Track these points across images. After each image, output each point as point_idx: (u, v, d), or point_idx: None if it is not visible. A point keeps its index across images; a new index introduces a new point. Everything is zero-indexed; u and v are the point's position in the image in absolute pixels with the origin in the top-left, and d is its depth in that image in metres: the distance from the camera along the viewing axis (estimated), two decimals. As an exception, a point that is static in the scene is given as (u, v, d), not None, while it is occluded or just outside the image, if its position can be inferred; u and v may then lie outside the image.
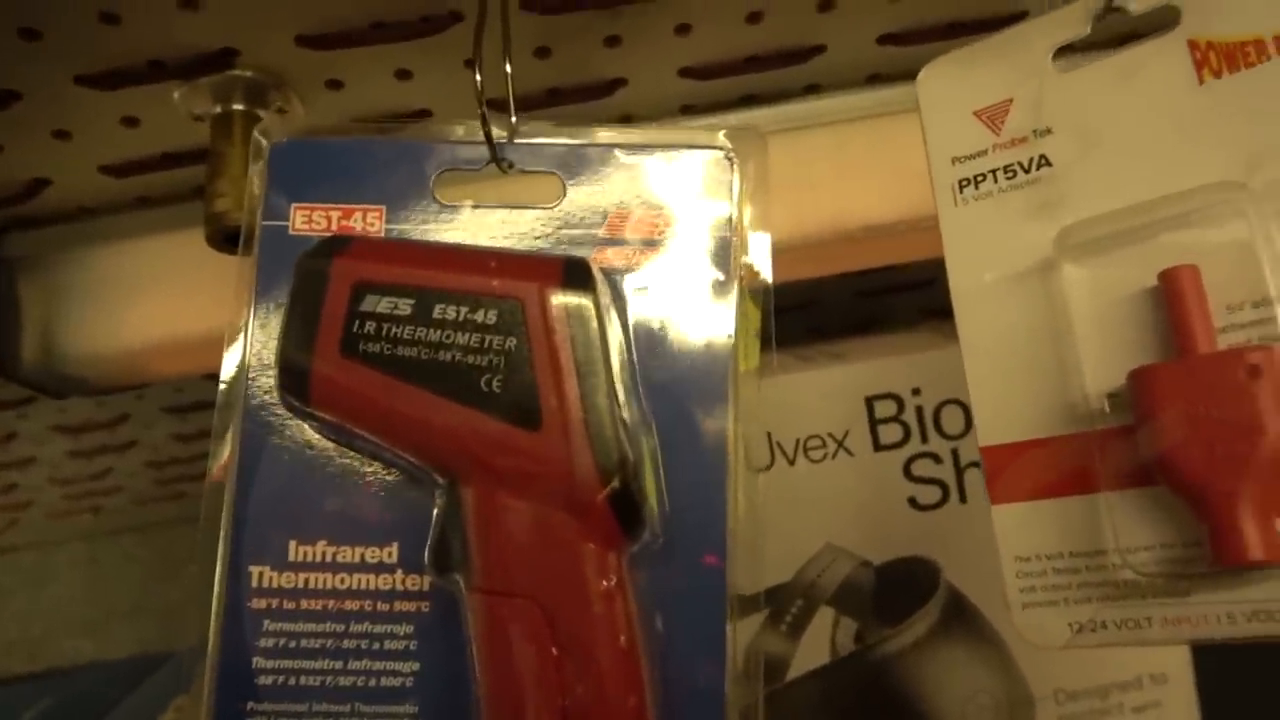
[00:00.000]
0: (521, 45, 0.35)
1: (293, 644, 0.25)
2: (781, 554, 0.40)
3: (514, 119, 0.27)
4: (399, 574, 0.25)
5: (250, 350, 0.26)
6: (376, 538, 0.25)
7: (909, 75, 0.29)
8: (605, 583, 0.23)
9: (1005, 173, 0.27)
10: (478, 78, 0.26)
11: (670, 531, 0.26)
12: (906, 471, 0.41)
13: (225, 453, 0.26)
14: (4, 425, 0.59)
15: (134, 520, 0.83)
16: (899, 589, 0.40)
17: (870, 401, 0.41)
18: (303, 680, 0.25)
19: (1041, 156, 0.26)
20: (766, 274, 0.27)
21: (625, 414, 0.25)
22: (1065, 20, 0.26)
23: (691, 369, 0.26)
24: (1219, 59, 0.24)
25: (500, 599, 0.23)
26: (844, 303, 0.60)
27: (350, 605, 0.25)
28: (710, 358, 0.27)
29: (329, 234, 0.27)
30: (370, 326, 0.24)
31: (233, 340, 0.27)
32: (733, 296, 0.27)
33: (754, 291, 0.27)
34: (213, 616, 0.25)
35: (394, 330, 0.24)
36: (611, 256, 0.27)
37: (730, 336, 0.26)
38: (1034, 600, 0.25)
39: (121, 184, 0.40)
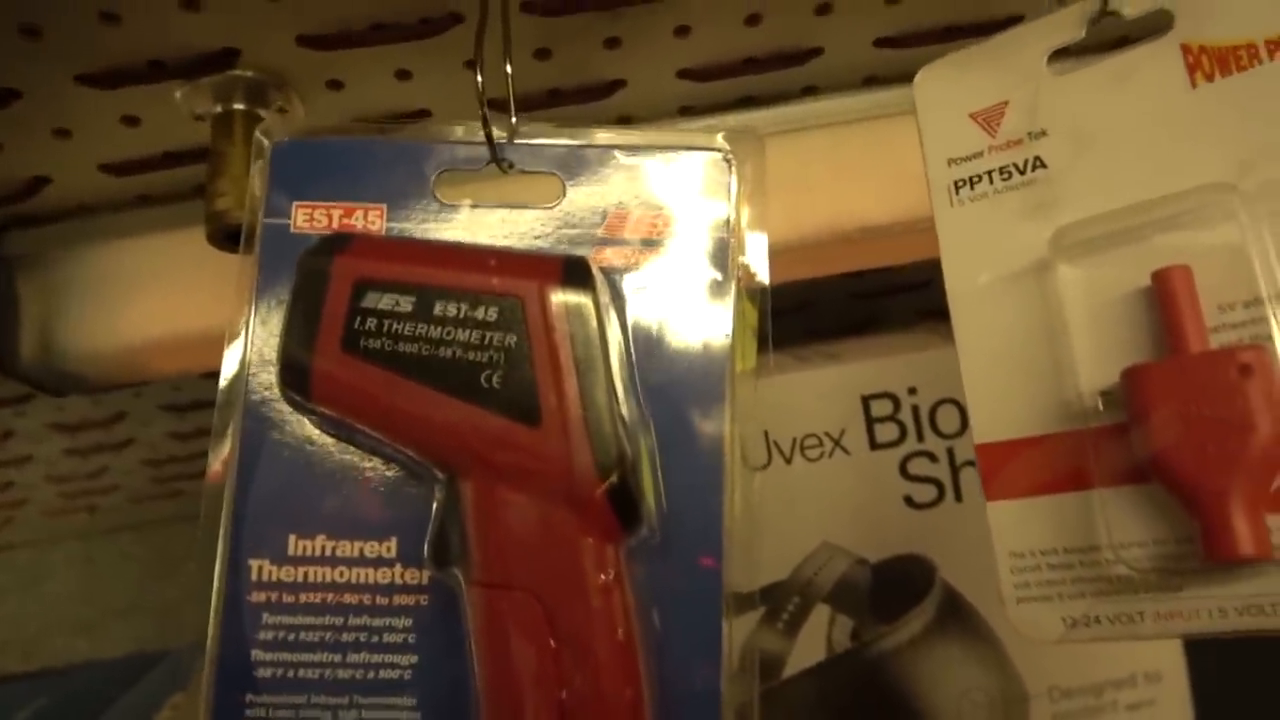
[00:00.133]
0: (522, 46, 0.35)
1: (292, 637, 0.25)
2: (778, 552, 0.41)
3: (514, 119, 0.27)
4: (398, 568, 0.25)
5: (251, 347, 0.26)
6: (376, 532, 0.26)
7: (905, 78, 0.29)
8: (603, 577, 0.24)
9: (1001, 174, 0.27)
10: (479, 78, 0.26)
11: (667, 529, 0.26)
12: (902, 470, 0.41)
13: (225, 450, 0.26)
14: (1, 423, 0.59)
15: (130, 519, 0.83)
16: (895, 587, 0.41)
17: (866, 401, 0.41)
18: (301, 673, 0.25)
19: (1036, 158, 0.27)
20: (764, 274, 0.28)
21: (624, 411, 0.25)
22: (1060, 24, 0.27)
23: (689, 369, 0.27)
24: (1211, 63, 0.24)
25: (499, 592, 0.24)
26: (840, 304, 0.60)
27: (349, 598, 0.25)
28: (708, 357, 0.27)
29: (330, 232, 0.27)
30: (371, 323, 0.24)
31: (233, 338, 0.27)
32: (730, 297, 0.27)
33: (751, 292, 0.27)
34: (212, 610, 0.25)
35: (395, 327, 0.24)
36: (610, 256, 0.27)
37: (728, 336, 0.27)
38: (1028, 595, 0.25)
39: (122, 182, 0.40)
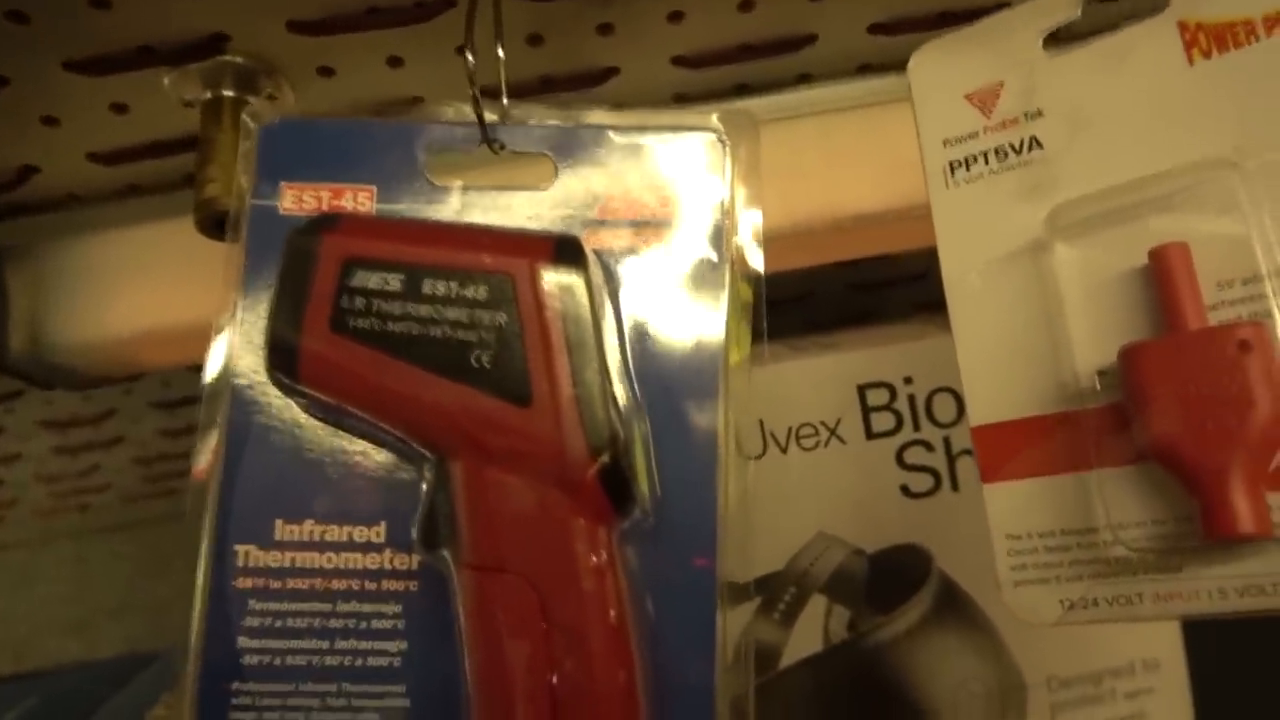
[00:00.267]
0: (514, 33, 0.35)
1: (279, 624, 0.25)
2: (773, 542, 0.40)
3: (505, 100, 0.27)
4: (387, 553, 0.25)
5: (238, 330, 0.26)
6: (364, 517, 0.25)
7: (900, 65, 0.29)
8: (595, 559, 0.23)
9: (996, 155, 0.27)
10: (469, 58, 0.26)
11: (660, 518, 0.26)
12: (899, 459, 0.41)
13: (212, 446, 0.26)
14: (-10, 419, 0.58)
15: (122, 518, 0.82)
16: (891, 577, 0.40)
17: (862, 390, 0.41)
18: (289, 660, 0.25)
19: (1032, 138, 0.26)
20: (758, 254, 0.27)
21: (616, 391, 0.24)
22: (1056, 3, 0.26)
23: (683, 351, 0.26)
24: (1209, 40, 0.24)
25: (489, 575, 0.23)
26: (837, 296, 0.60)
27: (337, 584, 0.25)
28: (702, 341, 0.26)
29: (319, 214, 0.26)
30: (360, 302, 0.24)
31: (219, 330, 0.27)
32: (725, 277, 0.27)
33: (746, 274, 0.27)
34: (196, 597, 0.25)
35: (383, 306, 0.24)
36: (604, 237, 0.27)
37: (723, 317, 0.26)
38: (1025, 578, 0.25)
39: (111, 171, 0.40)
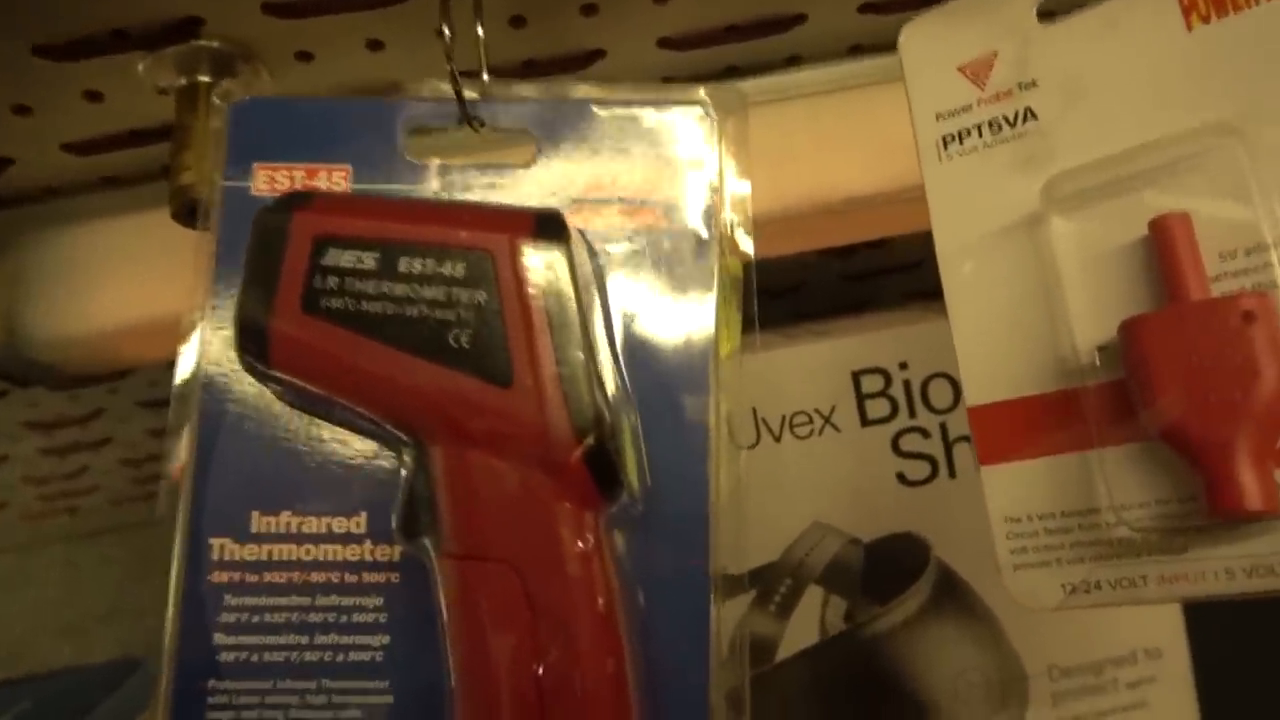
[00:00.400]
0: (496, 14, 0.34)
1: (256, 619, 0.24)
2: (768, 533, 0.40)
3: (486, 76, 0.26)
4: (368, 544, 0.24)
5: (211, 319, 0.25)
6: (344, 507, 0.25)
7: (892, 46, 0.28)
8: (581, 545, 0.23)
9: (990, 127, 0.26)
10: (446, 31, 0.25)
11: (650, 508, 0.25)
12: (894, 447, 0.40)
13: (185, 446, 0.25)
14: (-27, 421, 0.57)
15: (111, 521, 0.82)
16: (889, 566, 0.40)
17: (857, 376, 0.40)
18: (266, 656, 0.24)
19: (1027, 110, 0.26)
20: (748, 230, 0.27)
21: (601, 371, 0.24)
22: (1050, -29, 0.26)
23: (672, 329, 0.26)
24: (1207, 4, 0.23)
25: (472, 563, 0.22)
26: (830, 285, 0.59)
27: (316, 577, 0.24)
28: (692, 315, 0.26)
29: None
30: (333, 281, 0.23)
31: (190, 320, 0.26)
32: (714, 253, 0.26)
33: (735, 250, 0.26)
34: (170, 592, 0.24)
35: (358, 285, 0.23)
36: (588, 215, 0.26)
37: (713, 295, 0.26)
38: (1025, 562, 0.24)
39: (86, 162, 0.39)
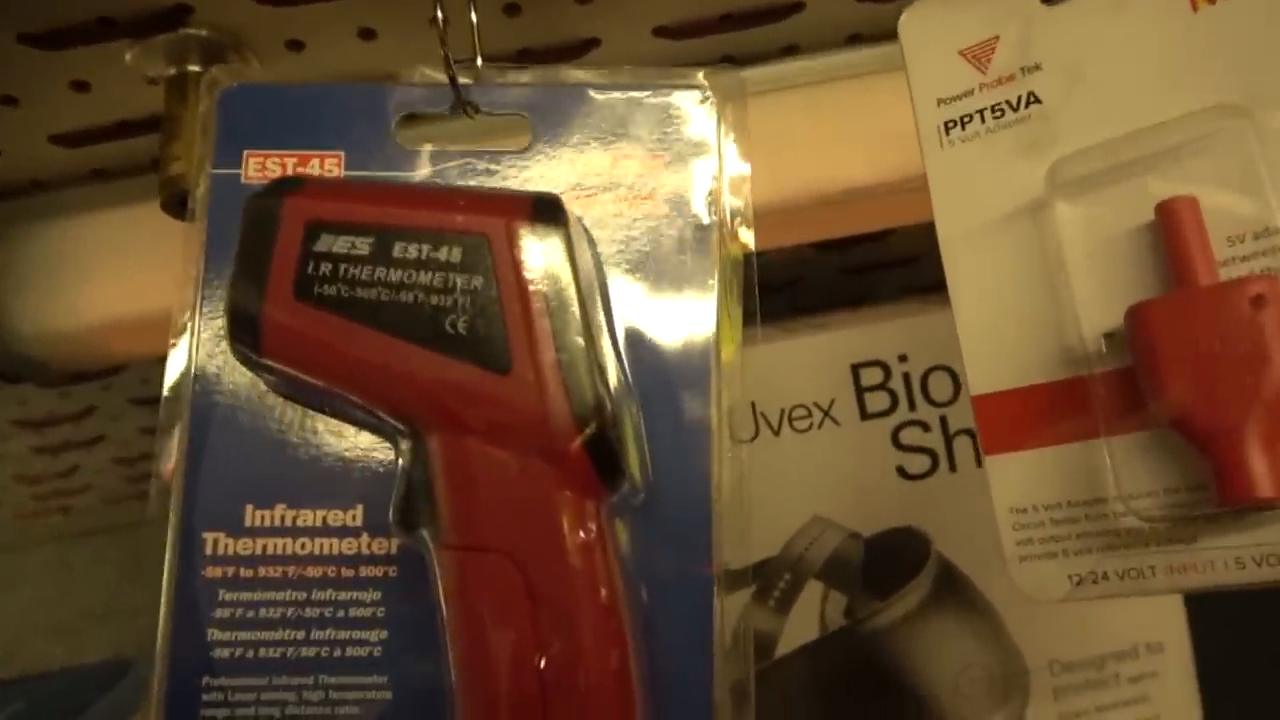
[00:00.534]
0: (491, 1, 0.34)
1: (250, 614, 0.23)
2: (767, 527, 0.39)
3: (479, 61, 0.26)
4: (364, 538, 0.24)
5: (201, 309, 0.25)
6: (339, 500, 0.24)
7: (889, 35, 0.28)
8: (583, 534, 0.22)
9: (993, 112, 0.26)
10: (439, 15, 0.25)
11: (652, 497, 0.25)
12: (894, 440, 0.40)
13: (175, 447, 0.24)
14: (-38, 419, 0.57)
15: (105, 521, 0.81)
16: (889, 561, 0.39)
17: (856, 369, 0.40)
18: (261, 652, 0.23)
19: (1030, 94, 0.25)
20: (748, 216, 0.26)
21: (601, 358, 0.23)
22: (1052, -45, 0.25)
23: (673, 321, 0.25)
24: (1213, -15, 0.23)
25: (471, 555, 0.22)
26: (828, 280, 0.59)
27: (312, 572, 0.24)
28: (692, 303, 0.25)
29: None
30: (326, 268, 0.23)
31: (181, 315, 0.25)
32: (715, 241, 0.25)
33: (735, 236, 0.26)
34: (163, 588, 0.23)
35: (351, 271, 0.23)
36: (586, 201, 0.26)
37: (714, 282, 0.25)
38: (1031, 553, 0.24)
39: (75, 154, 0.38)
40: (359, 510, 0.24)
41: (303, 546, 0.24)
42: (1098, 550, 0.23)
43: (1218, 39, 0.23)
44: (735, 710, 0.24)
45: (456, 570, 0.22)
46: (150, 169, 0.40)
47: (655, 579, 0.24)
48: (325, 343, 0.23)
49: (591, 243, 0.25)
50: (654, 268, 0.25)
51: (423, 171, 0.26)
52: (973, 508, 0.39)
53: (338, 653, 0.24)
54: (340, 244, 0.22)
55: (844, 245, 0.53)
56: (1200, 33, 0.23)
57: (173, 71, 0.34)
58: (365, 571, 0.24)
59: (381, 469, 0.24)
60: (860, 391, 0.40)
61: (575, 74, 0.26)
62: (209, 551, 0.24)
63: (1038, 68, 0.25)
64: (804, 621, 0.39)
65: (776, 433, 0.40)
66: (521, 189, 0.26)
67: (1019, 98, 0.25)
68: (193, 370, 0.25)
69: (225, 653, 0.23)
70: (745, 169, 0.27)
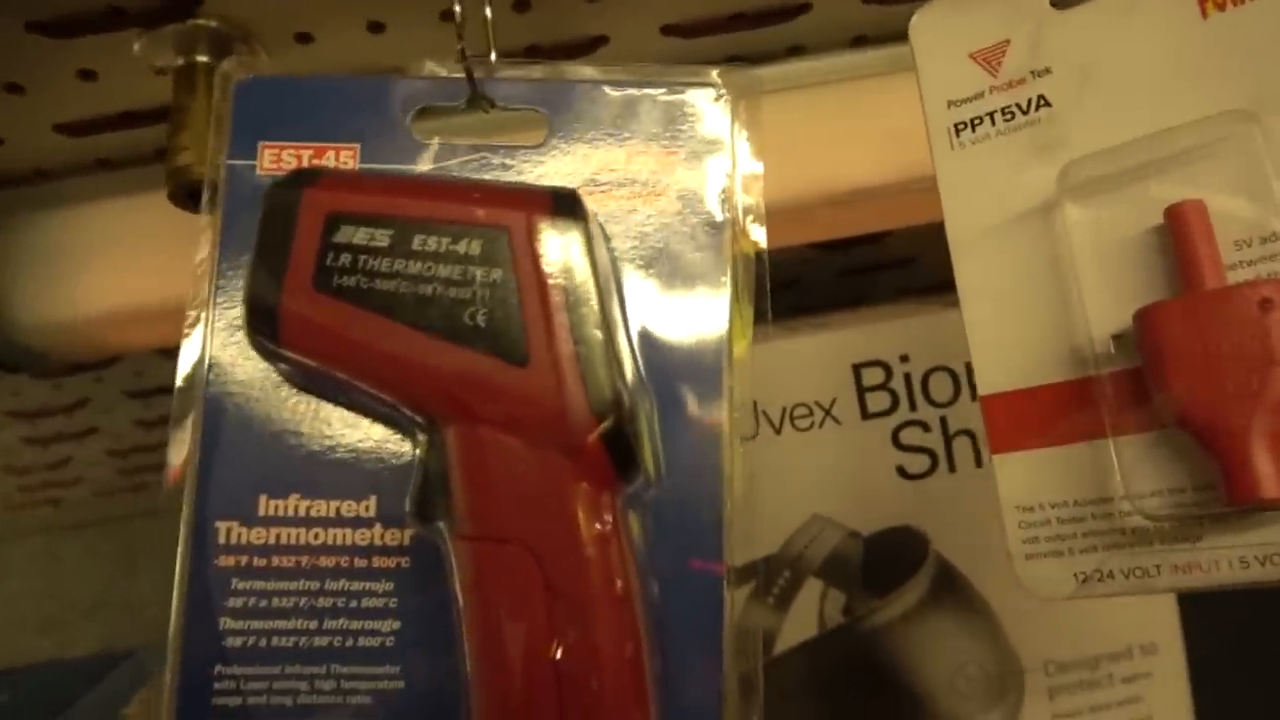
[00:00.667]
0: (500, -2, 0.34)
1: (263, 603, 0.24)
2: (768, 525, 0.39)
3: (494, 56, 0.26)
4: (378, 528, 0.24)
5: (215, 299, 0.25)
6: (353, 490, 0.24)
7: (896, 36, 0.28)
8: (599, 526, 0.22)
9: (1003, 115, 0.26)
10: (457, 8, 0.25)
11: (663, 490, 0.25)
12: (894, 440, 0.40)
13: (187, 441, 0.24)
14: (-44, 409, 0.56)
15: (95, 514, 0.80)
16: (888, 560, 0.40)
17: (857, 369, 0.40)
18: (274, 641, 0.23)
19: (1040, 97, 0.26)
20: (761, 213, 0.26)
21: (619, 351, 0.23)
22: (1063, -42, 0.26)
23: (686, 315, 0.25)
24: (1223, -8, 0.23)
25: (488, 546, 0.22)
26: (828, 281, 0.59)
27: (325, 562, 0.24)
28: (706, 300, 0.25)
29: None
30: (345, 259, 0.23)
31: (195, 309, 0.25)
32: (728, 237, 0.26)
33: (749, 232, 0.26)
34: (176, 576, 0.23)
35: (371, 263, 0.23)
36: (600, 196, 0.26)
37: (726, 278, 0.25)
38: (1037, 551, 0.24)
39: (79, 144, 0.38)
40: (372, 501, 0.24)
41: (316, 537, 0.24)
42: (1103, 549, 0.23)
43: (1227, 45, 0.23)
44: (743, 702, 0.24)
45: (473, 561, 0.22)
46: (154, 159, 0.40)
47: (666, 573, 0.24)
48: (343, 334, 0.23)
49: (606, 238, 0.25)
50: (667, 264, 0.26)
51: (438, 165, 0.26)
52: (971, 508, 0.40)
53: (350, 643, 0.24)
54: (360, 236, 0.23)
55: (843, 245, 0.54)
56: (1209, 39, 0.23)
57: (180, 62, 0.34)
58: (378, 562, 0.24)
59: (395, 461, 0.24)
60: (861, 391, 0.40)
61: (589, 70, 0.26)
62: (222, 540, 0.24)
63: (1048, 71, 0.26)
64: (803, 619, 0.39)
65: (778, 431, 0.40)
66: (537, 183, 0.26)
67: (1029, 101, 0.26)
68: (207, 360, 0.25)
69: (238, 641, 0.23)
70: (758, 167, 0.27)
